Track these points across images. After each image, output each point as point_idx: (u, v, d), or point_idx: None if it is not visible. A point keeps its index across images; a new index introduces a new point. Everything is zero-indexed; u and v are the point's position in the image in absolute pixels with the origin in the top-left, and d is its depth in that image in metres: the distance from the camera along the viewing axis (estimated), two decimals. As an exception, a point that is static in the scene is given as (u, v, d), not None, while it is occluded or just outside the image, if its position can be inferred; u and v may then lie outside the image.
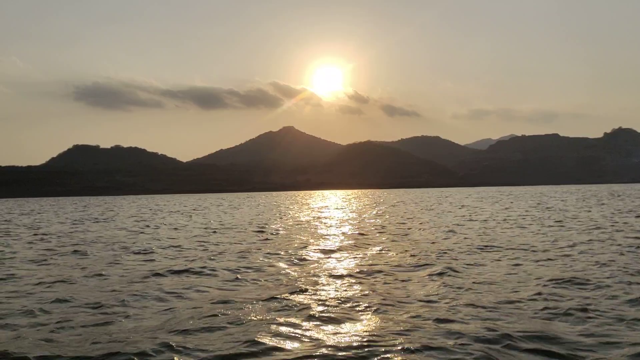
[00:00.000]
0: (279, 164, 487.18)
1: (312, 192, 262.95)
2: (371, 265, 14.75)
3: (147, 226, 33.91)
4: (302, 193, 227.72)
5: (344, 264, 15.43)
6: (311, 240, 22.07)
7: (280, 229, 29.74)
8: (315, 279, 12.90)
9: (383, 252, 17.89)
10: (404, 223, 31.90)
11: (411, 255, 16.72)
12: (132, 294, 11.40)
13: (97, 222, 40.96)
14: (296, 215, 44.83)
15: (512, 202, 62.40)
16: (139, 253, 19.20)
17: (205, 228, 31.61)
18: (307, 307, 9.81)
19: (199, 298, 11.07)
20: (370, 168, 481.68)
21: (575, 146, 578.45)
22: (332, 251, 18.74)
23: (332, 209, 55.51)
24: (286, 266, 15.26)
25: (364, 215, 41.66)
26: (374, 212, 46.52)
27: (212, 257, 17.38)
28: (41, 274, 14.72)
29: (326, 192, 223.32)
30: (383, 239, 22.67)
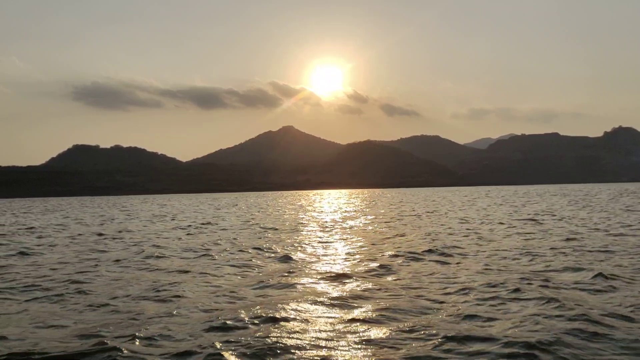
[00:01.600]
0: (278, 163, 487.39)
1: (313, 191, 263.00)
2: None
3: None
4: (307, 192, 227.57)
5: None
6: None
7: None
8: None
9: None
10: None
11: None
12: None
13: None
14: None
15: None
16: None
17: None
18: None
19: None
20: (370, 168, 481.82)
21: (575, 145, 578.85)
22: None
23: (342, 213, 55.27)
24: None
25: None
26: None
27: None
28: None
29: (326, 192, 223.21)
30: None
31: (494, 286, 11.40)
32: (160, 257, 17.90)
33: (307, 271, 14.24)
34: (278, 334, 8.17)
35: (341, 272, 13.69)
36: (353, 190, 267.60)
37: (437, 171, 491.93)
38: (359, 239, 22.86)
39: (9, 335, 8.48)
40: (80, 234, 28.81)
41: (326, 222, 34.20)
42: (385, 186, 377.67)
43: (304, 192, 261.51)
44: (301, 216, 42.34)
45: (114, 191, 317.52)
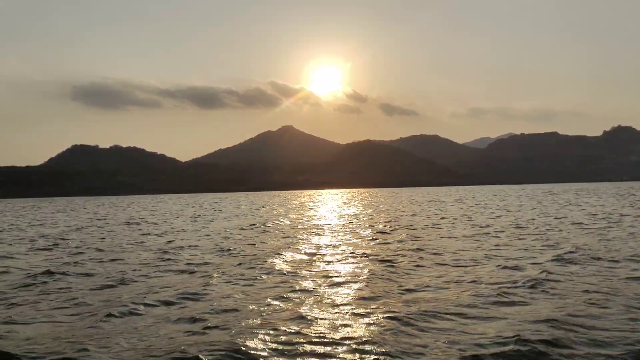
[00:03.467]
0: (278, 163, 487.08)
1: (314, 191, 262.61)
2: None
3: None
4: (310, 192, 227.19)
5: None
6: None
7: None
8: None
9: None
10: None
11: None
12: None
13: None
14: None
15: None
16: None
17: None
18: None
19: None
20: (370, 167, 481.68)
21: (574, 144, 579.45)
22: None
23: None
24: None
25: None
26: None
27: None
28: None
29: (330, 191, 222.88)
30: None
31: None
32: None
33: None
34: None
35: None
36: (358, 190, 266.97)
37: (437, 170, 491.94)
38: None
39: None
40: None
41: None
42: (385, 186, 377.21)
43: (307, 191, 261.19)
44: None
45: (114, 191, 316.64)
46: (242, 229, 29.56)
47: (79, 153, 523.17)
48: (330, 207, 58.19)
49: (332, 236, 23.73)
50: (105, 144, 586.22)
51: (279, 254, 17.12)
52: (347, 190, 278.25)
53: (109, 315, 9.39)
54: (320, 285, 11.83)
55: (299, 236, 24.08)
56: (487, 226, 26.85)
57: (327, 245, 19.74)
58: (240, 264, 15.32)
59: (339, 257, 16.49)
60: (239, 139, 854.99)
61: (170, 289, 11.93)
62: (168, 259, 17.07)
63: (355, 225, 29.92)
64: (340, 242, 20.83)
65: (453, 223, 29.73)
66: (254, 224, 32.28)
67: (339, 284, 11.99)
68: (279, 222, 33.97)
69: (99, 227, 34.71)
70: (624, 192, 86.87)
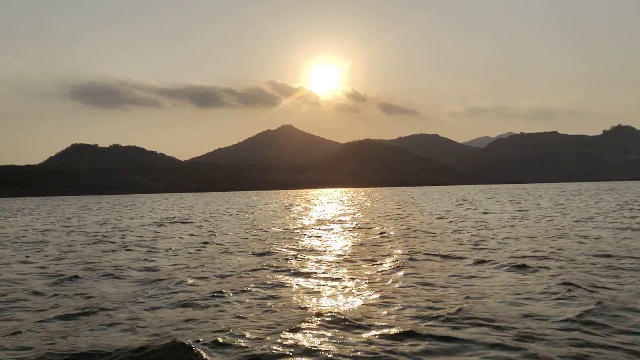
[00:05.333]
0: (278, 162, 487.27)
1: (315, 190, 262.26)
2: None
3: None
4: (312, 191, 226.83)
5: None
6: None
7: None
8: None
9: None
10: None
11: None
12: None
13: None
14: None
15: None
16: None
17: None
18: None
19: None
20: (370, 166, 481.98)
21: (574, 143, 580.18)
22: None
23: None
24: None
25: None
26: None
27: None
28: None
29: (331, 190, 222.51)
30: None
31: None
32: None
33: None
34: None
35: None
36: (361, 189, 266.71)
37: (436, 169, 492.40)
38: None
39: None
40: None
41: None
42: (385, 185, 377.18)
43: (309, 190, 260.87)
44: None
45: (114, 190, 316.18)
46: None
47: (79, 152, 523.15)
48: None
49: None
50: (104, 143, 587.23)
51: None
52: (353, 189, 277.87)
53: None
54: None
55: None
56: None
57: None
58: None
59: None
60: (239, 138, 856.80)
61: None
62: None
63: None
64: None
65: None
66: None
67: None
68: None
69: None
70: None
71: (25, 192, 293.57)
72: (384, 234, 22.42)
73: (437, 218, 32.29)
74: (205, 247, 19.54)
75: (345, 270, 13.12)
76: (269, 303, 9.75)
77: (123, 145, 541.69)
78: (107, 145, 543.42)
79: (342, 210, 47.69)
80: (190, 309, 9.50)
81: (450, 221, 29.12)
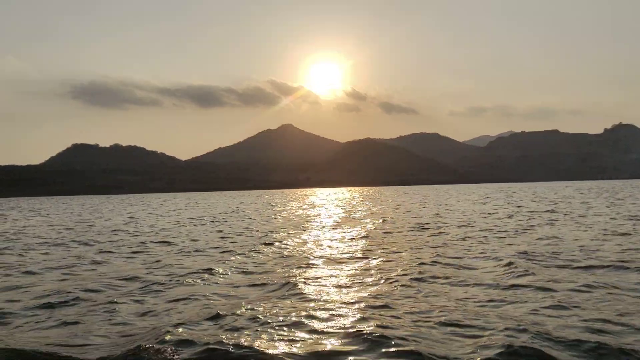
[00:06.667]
0: (278, 162, 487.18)
1: (316, 189, 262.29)
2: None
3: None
4: (313, 190, 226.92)
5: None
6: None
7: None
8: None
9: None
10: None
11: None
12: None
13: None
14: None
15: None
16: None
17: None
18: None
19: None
20: (370, 166, 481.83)
21: (575, 142, 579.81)
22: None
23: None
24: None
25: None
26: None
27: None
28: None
29: (334, 190, 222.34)
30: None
31: None
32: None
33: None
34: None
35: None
36: (363, 189, 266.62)
37: (437, 169, 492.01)
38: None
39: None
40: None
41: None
42: (386, 184, 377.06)
43: (310, 190, 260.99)
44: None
45: (116, 190, 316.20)
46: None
47: (79, 152, 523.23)
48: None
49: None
50: (105, 142, 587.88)
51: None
52: (353, 188, 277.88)
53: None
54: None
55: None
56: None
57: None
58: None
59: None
60: (239, 138, 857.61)
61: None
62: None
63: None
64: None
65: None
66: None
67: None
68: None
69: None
70: None
71: (26, 192, 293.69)
72: None
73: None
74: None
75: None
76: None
77: (124, 145, 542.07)
78: (108, 145, 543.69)
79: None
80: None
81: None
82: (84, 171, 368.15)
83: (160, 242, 22.12)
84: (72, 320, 9.00)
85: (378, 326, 7.78)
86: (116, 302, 10.11)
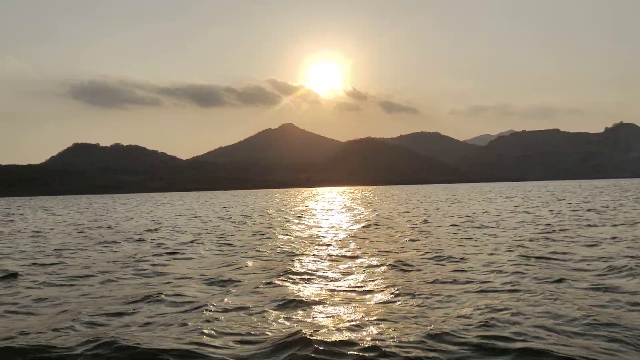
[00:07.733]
0: (279, 161, 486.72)
1: (317, 189, 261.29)
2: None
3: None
4: (315, 190, 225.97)
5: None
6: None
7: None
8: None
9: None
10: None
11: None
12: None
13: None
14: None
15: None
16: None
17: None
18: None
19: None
20: (370, 165, 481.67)
21: (575, 141, 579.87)
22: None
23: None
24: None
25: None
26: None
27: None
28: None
29: (335, 189, 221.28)
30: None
31: None
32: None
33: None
34: None
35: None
36: (364, 188, 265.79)
37: (437, 168, 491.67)
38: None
39: None
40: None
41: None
42: (386, 183, 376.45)
43: (311, 189, 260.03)
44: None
45: (116, 190, 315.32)
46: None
47: (80, 151, 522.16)
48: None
49: None
50: (106, 142, 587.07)
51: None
52: (354, 188, 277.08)
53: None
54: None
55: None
56: None
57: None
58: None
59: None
60: (239, 137, 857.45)
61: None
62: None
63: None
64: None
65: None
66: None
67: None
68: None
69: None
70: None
71: (27, 191, 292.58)
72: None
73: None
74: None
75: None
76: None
77: (124, 144, 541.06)
78: (109, 145, 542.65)
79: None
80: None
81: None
82: (84, 171, 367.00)
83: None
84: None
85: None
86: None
